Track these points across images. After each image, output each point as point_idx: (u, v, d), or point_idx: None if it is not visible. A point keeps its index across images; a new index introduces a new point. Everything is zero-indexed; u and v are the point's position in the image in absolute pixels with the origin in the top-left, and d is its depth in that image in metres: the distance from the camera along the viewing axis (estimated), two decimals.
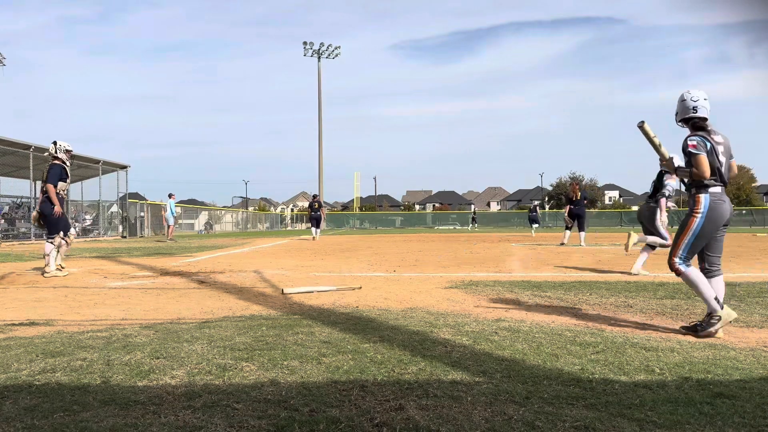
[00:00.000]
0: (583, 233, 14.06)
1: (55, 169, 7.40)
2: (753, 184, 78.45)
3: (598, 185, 78.99)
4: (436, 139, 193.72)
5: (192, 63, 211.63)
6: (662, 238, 7.20)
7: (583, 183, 73.61)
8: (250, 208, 75.08)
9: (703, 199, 3.51)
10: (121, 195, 25.77)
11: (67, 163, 7.61)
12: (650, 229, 7.31)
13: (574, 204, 14.32)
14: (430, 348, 3.12)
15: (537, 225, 27.88)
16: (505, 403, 2.19)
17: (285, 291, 5.44)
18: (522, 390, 2.36)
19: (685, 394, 2.31)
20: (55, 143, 7.54)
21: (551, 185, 76.77)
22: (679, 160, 3.97)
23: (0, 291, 5.90)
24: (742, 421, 2.00)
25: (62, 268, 7.46)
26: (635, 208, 52.28)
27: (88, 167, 23.21)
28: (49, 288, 6.12)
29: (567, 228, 14.59)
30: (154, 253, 12.35)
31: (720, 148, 3.54)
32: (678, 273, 3.59)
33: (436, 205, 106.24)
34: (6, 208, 20.51)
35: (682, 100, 3.67)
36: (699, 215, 3.51)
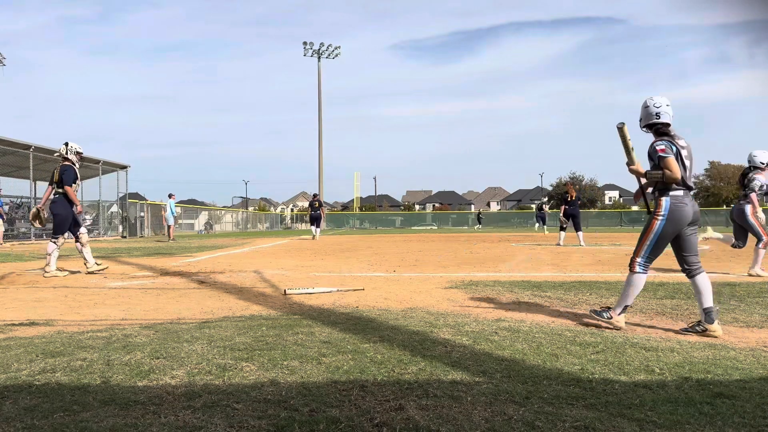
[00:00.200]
0: (580, 233, 14.23)
1: (69, 171, 7.50)
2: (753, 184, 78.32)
3: (598, 185, 78.98)
4: (436, 139, 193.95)
5: (192, 63, 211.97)
6: (757, 236, 6.87)
7: (583, 183, 73.66)
8: (250, 208, 75.08)
9: (665, 202, 3.63)
10: (121, 195, 25.80)
11: (77, 165, 7.68)
12: (743, 226, 7.03)
13: (569, 204, 14.45)
14: (430, 348, 3.11)
15: (545, 225, 27.99)
16: (505, 403, 2.19)
17: (287, 291, 5.44)
18: (522, 390, 2.36)
19: (685, 394, 2.31)
20: (66, 144, 7.62)
21: (551, 185, 76.79)
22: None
23: (0, 291, 5.90)
24: (742, 421, 2.00)
25: (99, 263, 7.82)
26: (635, 208, 52.22)
27: (88, 167, 23.20)
28: (49, 288, 6.12)
29: (562, 228, 14.70)
30: (154, 253, 12.35)
31: (684, 152, 3.65)
32: (632, 271, 3.73)
33: (436, 205, 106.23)
34: (6, 208, 20.51)
35: (646, 107, 3.77)
36: (660, 218, 3.64)
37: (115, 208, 26.58)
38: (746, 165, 7.22)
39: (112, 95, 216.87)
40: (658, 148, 3.61)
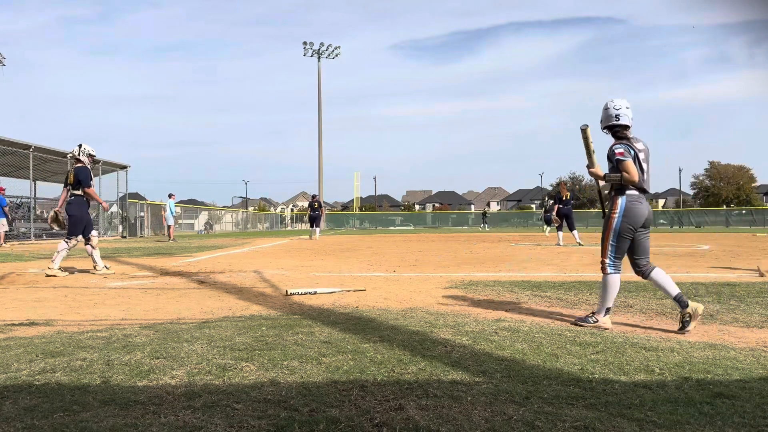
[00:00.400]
0: (575, 231, 14.43)
1: (86, 171, 7.55)
2: (753, 184, 78.40)
3: None
4: (436, 139, 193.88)
5: (192, 63, 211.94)
6: None
7: (583, 183, 73.71)
8: (250, 208, 75.09)
9: (620, 200, 3.74)
10: (121, 195, 25.79)
11: (89, 167, 7.72)
12: None
13: (563, 204, 14.53)
14: (430, 348, 3.12)
15: (550, 226, 27.93)
16: (505, 403, 2.19)
17: (289, 292, 5.43)
18: (522, 390, 2.36)
19: (685, 394, 2.31)
20: (80, 146, 7.67)
21: (551, 185, 76.83)
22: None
23: (0, 291, 5.90)
24: (742, 421, 2.00)
25: (108, 267, 7.80)
26: None
27: None
28: (49, 288, 6.12)
29: (558, 229, 14.79)
30: (154, 253, 12.35)
31: (642, 155, 3.73)
32: (604, 273, 3.81)
33: (436, 205, 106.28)
34: (6, 209, 20.50)
35: (606, 109, 3.85)
36: (616, 215, 3.74)
37: (115, 208, 26.58)
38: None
39: (112, 95, 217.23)
40: (616, 151, 3.70)
